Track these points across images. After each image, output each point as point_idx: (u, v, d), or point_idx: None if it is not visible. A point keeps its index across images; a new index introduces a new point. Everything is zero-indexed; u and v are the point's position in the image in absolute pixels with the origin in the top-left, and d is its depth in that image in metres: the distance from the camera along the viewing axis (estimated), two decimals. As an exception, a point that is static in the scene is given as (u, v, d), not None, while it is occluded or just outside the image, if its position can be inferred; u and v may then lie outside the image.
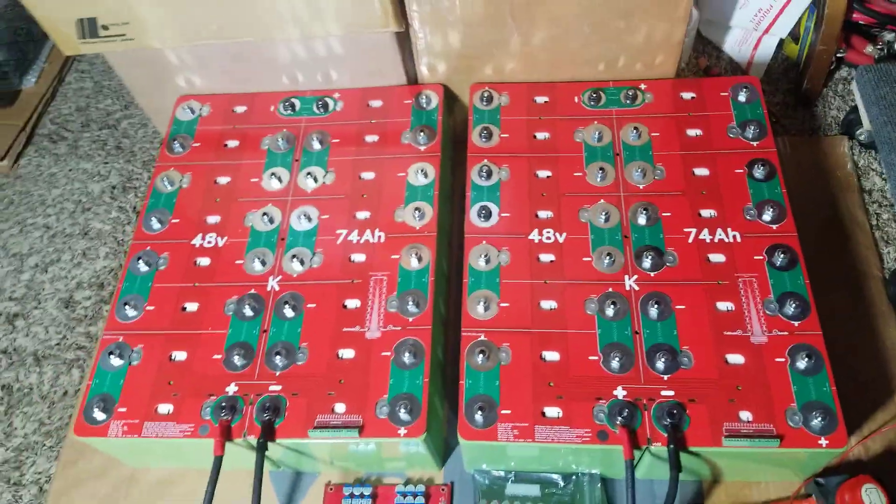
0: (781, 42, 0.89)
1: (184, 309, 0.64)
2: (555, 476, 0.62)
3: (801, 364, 0.55)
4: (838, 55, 0.87)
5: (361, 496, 0.62)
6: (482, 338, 0.60)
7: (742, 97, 0.71)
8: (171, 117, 0.77)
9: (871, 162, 0.81)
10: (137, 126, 0.99)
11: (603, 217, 0.65)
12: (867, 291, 0.71)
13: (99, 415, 0.58)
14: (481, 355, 0.58)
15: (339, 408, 0.57)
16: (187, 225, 0.69)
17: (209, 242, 0.68)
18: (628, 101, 0.72)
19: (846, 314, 0.69)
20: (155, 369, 0.61)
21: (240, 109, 0.77)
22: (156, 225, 0.69)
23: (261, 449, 0.55)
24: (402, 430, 0.55)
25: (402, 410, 0.56)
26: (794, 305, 0.58)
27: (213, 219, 0.69)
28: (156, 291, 0.65)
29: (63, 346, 0.80)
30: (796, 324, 0.58)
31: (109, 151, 0.97)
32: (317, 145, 0.73)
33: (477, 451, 0.58)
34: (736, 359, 0.57)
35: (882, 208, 0.78)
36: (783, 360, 0.56)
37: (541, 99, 0.74)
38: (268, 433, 0.56)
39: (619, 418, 0.54)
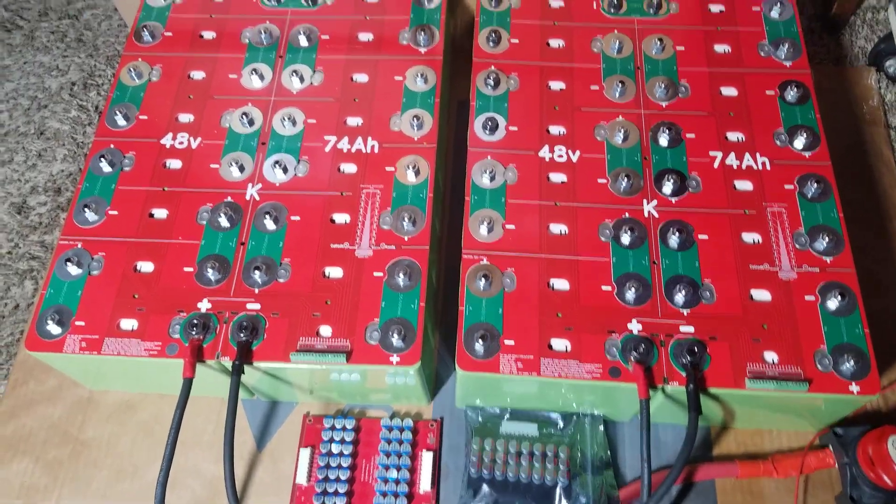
0: (813, -38, 0.82)
1: (151, 215, 0.57)
2: (554, 415, 0.57)
3: (833, 303, 0.51)
4: (875, -22, 0.81)
5: (344, 429, 0.57)
6: (484, 261, 0.54)
7: (775, 13, 0.65)
8: (141, 3, 0.68)
9: (901, 96, 0.76)
10: (101, 18, 0.89)
11: (621, 135, 0.59)
12: (892, 231, 0.67)
13: (54, 328, 0.52)
14: (483, 280, 0.52)
15: (325, 331, 0.51)
16: (156, 122, 0.61)
17: (181, 143, 0.60)
18: (652, 11, 0.65)
19: (868, 254, 0.65)
20: (118, 280, 0.54)
21: (217, -3, 0.68)
22: (121, 121, 0.61)
23: (236, 372, 0.50)
24: (395, 358, 0.50)
25: (395, 336, 0.50)
26: (826, 240, 0.53)
27: (185, 117, 0.62)
28: (120, 194, 0.58)
29: (15, 255, 0.73)
30: (828, 260, 0.53)
31: (69, 44, 0.87)
32: (304, 41, 0.65)
33: (473, 384, 0.53)
34: (762, 295, 0.52)
35: (910, 146, 0.73)
36: (813, 298, 0.52)
37: (556, 3, 0.66)
38: (244, 355, 0.50)
39: (634, 354, 0.49)
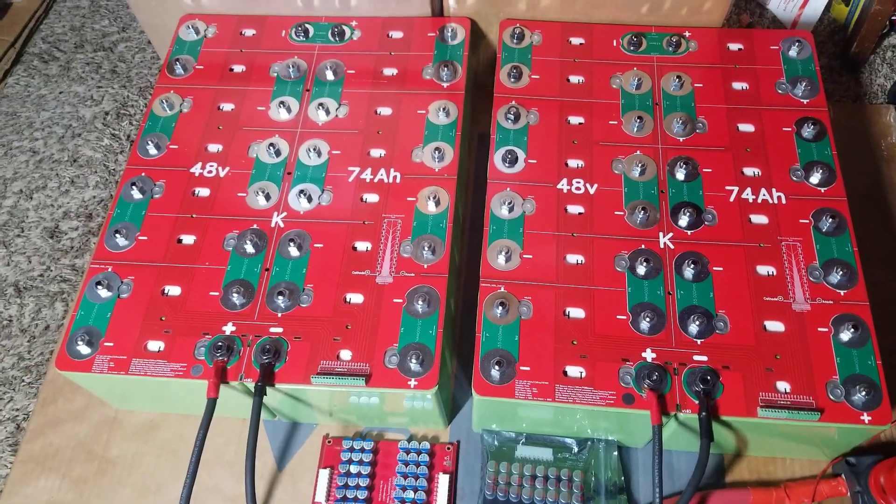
0: (830, 2, 0.84)
1: (179, 241, 0.59)
2: (568, 440, 0.58)
3: (846, 335, 0.52)
4: (893, 18, 0.82)
5: (362, 450, 0.58)
6: (502, 290, 0.55)
7: (793, 52, 0.66)
8: (174, 37, 0.71)
9: (917, 133, 0.77)
10: (135, 50, 0.93)
11: (638, 169, 0.60)
12: (907, 268, 0.67)
13: (83, 348, 0.54)
14: (500, 308, 0.54)
15: (345, 354, 0.53)
16: (186, 152, 0.64)
17: (209, 172, 0.63)
18: (671, 49, 0.67)
19: (882, 290, 0.65)
20: (146, 303, 0.56)
21: (248, 33, 0.71)
22: (152, 150, 0.64)
23: (259, 393, 0.51)
24: (413, 382, 0.51)
25: (413, 361, 0.51)
26: (840, 273, 0.54)
27: (214, 147, 0.64)
28: (149, 221, 0.60)
29: (46, 277, 0.75)
30: (842, 293, 0.54)
31: (104, 75, 0.91)
32: (330, 75, 0.67)
33: (489, 409, 0.54)
34: (775, 326, 0.53)
35: (926, 182, 0.73)
36: (826, 329, 0.52)
37: (576, 40, 0.68)
38: (267, 377, 0.52)
39: (648, 382, 0.50)
